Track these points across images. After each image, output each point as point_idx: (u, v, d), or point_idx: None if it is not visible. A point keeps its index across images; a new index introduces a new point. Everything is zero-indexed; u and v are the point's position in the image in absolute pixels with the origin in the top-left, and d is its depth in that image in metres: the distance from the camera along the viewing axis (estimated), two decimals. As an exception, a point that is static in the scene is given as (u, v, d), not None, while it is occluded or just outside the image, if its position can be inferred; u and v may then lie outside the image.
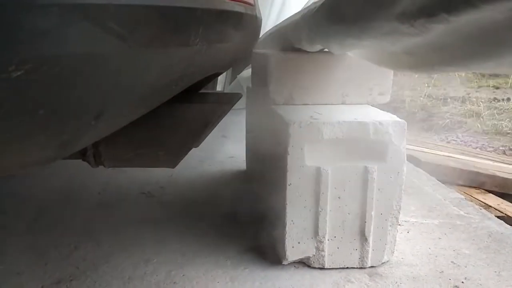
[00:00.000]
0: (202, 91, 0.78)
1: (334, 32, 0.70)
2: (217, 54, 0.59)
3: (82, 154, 0.60)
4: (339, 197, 1.01)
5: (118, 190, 1.55)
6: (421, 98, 4.49)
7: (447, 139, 3.64)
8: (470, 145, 3.44)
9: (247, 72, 2.84)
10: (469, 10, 0.36)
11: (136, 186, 1.58)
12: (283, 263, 1.05)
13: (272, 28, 1.72)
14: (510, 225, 1.36)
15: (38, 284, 0.98)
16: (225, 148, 2.04)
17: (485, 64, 0.42)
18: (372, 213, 1.02)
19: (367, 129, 0.98)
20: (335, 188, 1.00)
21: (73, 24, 0.33)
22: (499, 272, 1.05)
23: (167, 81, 0.53)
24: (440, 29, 0.44)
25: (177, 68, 0.52)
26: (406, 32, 0.49)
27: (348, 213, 1.02)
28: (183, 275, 1.02)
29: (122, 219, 1.33)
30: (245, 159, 1.79)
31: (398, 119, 1.01)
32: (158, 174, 1.67)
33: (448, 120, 3.94)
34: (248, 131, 1.70)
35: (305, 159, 0.98)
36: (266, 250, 1.13)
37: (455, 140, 3.62)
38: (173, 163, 0.64)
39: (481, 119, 3.87)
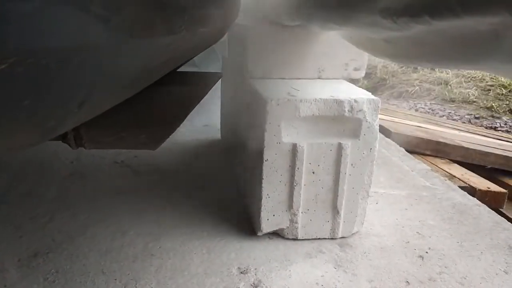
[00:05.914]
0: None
1: (316, 16, 0.70)
2: (201, 38, 0.58)
3: (62, 137, 0.59)
4: (313, 172, 1.03)
5: (91, 159, 1.54)
6: (393, 65, 4.54)
7: (416, 106, 3.73)
8: (438, 113, 3.54)
9: (221, 37, 2.77)
10: (452, 18, 0.37)
11: (109, 155, 1.57)
12: (258, 234, 1.09)
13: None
14: (472, 195, 1.43)
15: (15, 257, 0.98)
16: (199, 117, 2.03)
17: (463, 65, 0.43)
18: (345, 187, 1.06)
19: (342, 107, 1.00)
20: (310, 163, 1.02)
21: (59, 13, 0.33)
22: (461, 243, 1.11)
23: (151, 68, 0.53)
24: (422, 29, 0.45)
25: (162, 56, 0.52)
26: (388, 26, 0.50)
27: (322, 187, 1.05)
28: (160, 247, 1.04)
29: (97, 189, 1.33)
30: (219, 128, 1.79)
31: (372, 96, 1.03)
32: (131, 142, 1.66)
33: (417, 88, 4.03)
34: (223, 101, 1.69)
35: (282, 136, 0.99)
36: (241, 221, 1.16)
37: (423, 108, 3.71)
38: (154, 146, 0.64)
39: (449, 87, 3.97)
